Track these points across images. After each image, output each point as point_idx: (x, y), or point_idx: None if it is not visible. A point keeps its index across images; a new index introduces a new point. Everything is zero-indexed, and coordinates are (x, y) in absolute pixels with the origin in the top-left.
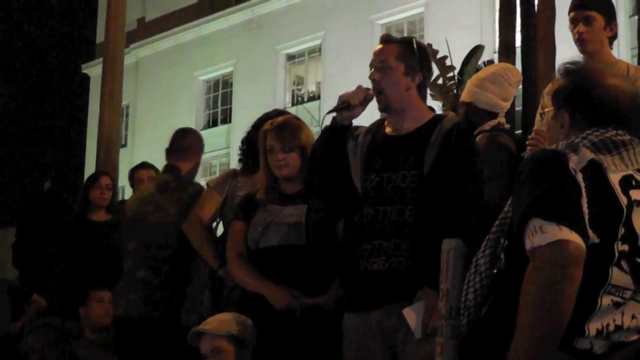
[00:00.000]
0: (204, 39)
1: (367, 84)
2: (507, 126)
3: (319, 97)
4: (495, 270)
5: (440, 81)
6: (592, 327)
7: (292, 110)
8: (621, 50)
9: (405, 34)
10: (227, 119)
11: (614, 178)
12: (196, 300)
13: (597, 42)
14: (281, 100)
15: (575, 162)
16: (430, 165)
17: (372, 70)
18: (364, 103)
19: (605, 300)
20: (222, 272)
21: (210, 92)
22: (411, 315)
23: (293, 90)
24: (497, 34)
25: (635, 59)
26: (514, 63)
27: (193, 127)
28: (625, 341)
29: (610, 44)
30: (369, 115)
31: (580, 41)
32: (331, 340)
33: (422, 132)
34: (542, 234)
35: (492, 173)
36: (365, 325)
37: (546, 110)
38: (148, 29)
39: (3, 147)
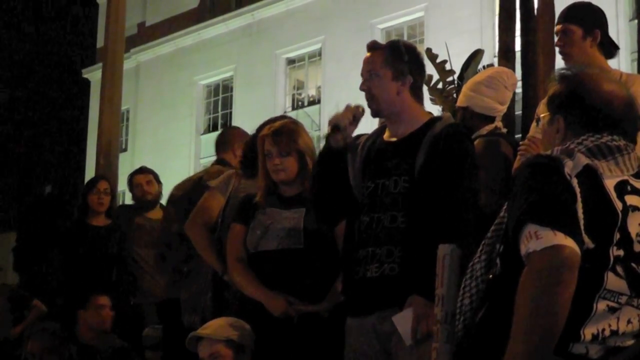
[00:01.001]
0: (204, 44)
1: None
2: (504, 130)
3: (319, 102)
4: (490, 276)
5: (439, 85)
6: (588, 332)
7: (293, 114)
8: (621, 55)
9: (405, 39)
10: (227, 123)
11: (610, 183)
12: (198, 302)
13: (577, 54)
14: (281, 104)
15: (570, 168)
16: (418, 170)
17: (363, 80)
18: (354, 122)
19: (601, 305)
20: (227, 276)
21: (210, 96)
22: (401, 322)
23: (293, 95)
24: (497, 38)
25: (635, 64)
26: (513, 67)
27: (193, 131)
28: (620, 346)
29: (609, 51)
30: (369, 123)
31: (561, 54)
32: (329, 346)
33: (415, 136)
34: (537, 239)
35: (489, 178)
36: (362, 330)
37: (541, 115)
38: (148, 34)
39: (3, 151)
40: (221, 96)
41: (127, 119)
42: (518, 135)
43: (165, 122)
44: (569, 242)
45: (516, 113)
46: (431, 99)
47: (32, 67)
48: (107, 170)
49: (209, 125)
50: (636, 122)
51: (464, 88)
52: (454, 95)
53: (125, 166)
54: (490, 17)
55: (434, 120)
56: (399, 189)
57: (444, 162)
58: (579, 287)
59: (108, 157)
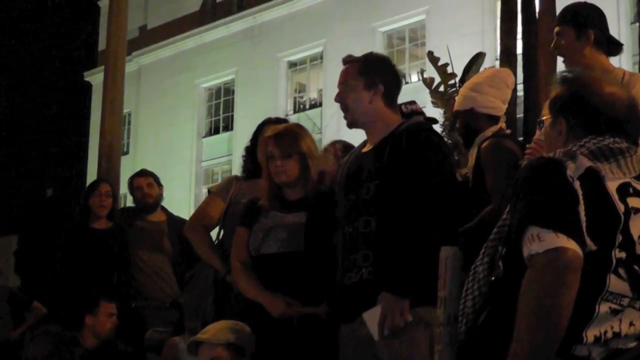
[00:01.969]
0: (206, 47)
1: None
2: (508, 131)
3: (320, 105)
4: (493, 278)
5: (441, 88)
6: (590, 334)
7: (294, 117)
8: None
9: (407, 41)
10: (228, 126)
11: (612, 186)
12: (199, 306)
13: (571, 55)
14: (283, 107)
15: (572, 170)
16: (384, 170)
17: (338, 92)
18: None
19: (603, 308)
20: (229, 278)
21: (212, 99)
22: (370, 319)
23: (295, 98)
24: (499, 41)
25: (637, 66)
26: (515, 70)
27: (194, 134)
28: (623, 348)
29: (611, 49)
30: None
31: (557, 55)
32: (328, 348)
33: (383, 143)
34: (540, 241)
35: (497, 178)
36: (351, 336)
37: (544, 118)
38: (150, 37)
39: (5, 154)
40: (223, 99)
41: (129, 122)
42: (520, 138)
43: (166, 125)
44: (571, 245)
45: (518, 116)
46: (433, 102)
47: (33, 69)
48: (108, 173)
49: (211, 128)
50: (638, 124)
51: (463, 91)
52: (456, 98)
53: (127, 169)
54: (491, 20)
55: (401, 125)
56: (370, 194)
57: (408, 157)
58: (581, 290)
59: (110, 159)
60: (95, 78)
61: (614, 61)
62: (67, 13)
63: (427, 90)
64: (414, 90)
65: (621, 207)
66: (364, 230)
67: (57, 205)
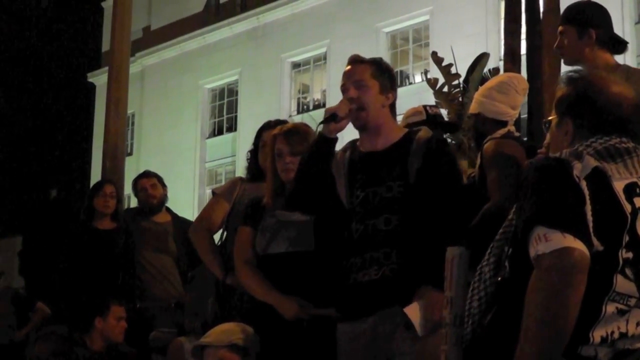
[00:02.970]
0: (210, 48)
1: None
2: (517, 134)
3: (324, 105)
4: (499, 278)
5: (445, 89)
6: (597, 334)
7: (298, 118)
8: (626, 58)
9: (411, 42)
10: (232, 127)
11: (618, 186)
12: (200, 307)
13: (573, 54)
14: (286, 108)
15: (579, 170)
16: (415, 174)
17: (349, 89)
18: (349, 115)
19: (610, 308)
20: (230, 280)
21: (215, 100)
22: (413, 313)
23: (298, 99)
24: (502, 41)
25: None
26: (519, 70)
27: (198, 135)
28: (630, 349)
29: (615, 47)
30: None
31: (561, 56)
32: (329, 348)
33: (399, 146)
34: (547, 241)
35: (499, 178)
36: (359, 334)
37: (550, 118)
38: (153, 38)
39: (9, 155)
40: (226, 100)
41: (133, 123)
42: (524, 139)
43: (170, 126)
44: (578, 245)
45: (522, 117)
46: (437, 102)
47: (37, 71)
48: (113, 173)
49: (214, 129)
50: None
51: (476, 95)
52: (460, 98)
53: (131, 170)
54: (495, 21)
55: (410, 132)
56: (394, 193)
57: (441, 166)
58: (588, 290)
59: (114, 160)
60: (99, 79)
61: (618, 60)
62: (71, 14)
63: (431, 91)
64: (417, 91)
65: (628, 207)
66: (385, 228)
67: (62, 206)
